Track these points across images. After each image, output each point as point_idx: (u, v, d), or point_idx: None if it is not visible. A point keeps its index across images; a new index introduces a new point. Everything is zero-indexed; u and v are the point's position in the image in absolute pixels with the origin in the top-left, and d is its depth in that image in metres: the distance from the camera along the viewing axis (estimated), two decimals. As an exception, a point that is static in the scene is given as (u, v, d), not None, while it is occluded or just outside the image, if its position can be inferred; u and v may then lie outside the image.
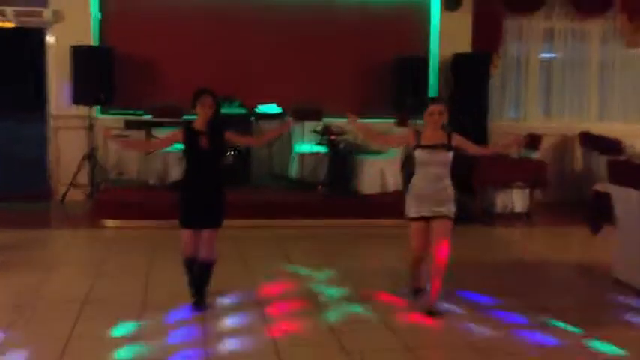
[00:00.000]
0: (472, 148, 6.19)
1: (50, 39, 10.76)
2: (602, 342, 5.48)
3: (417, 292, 6.40)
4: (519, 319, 5.98)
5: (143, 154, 10.29)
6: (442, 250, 5.94)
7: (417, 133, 6.04)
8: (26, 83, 11.09)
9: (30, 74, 11.06)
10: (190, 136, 5.95)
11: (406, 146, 6.11)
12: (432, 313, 5.97)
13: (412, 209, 6.06)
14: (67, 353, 4.99)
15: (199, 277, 6.03)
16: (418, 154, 5.98)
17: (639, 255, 6.81)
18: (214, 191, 6.03)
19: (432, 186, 5.95)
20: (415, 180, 6.07)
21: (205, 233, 5.97)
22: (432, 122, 5.94)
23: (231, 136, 6.17)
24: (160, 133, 10.15)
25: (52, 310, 5.93)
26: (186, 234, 6.02)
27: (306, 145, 10.78)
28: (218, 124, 6.04)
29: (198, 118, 5.96)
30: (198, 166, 5.98)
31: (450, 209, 6.00)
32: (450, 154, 5.97)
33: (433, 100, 6.31)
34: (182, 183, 6.22)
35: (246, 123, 10.57)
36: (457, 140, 6.03)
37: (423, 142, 5.96)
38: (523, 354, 5.27)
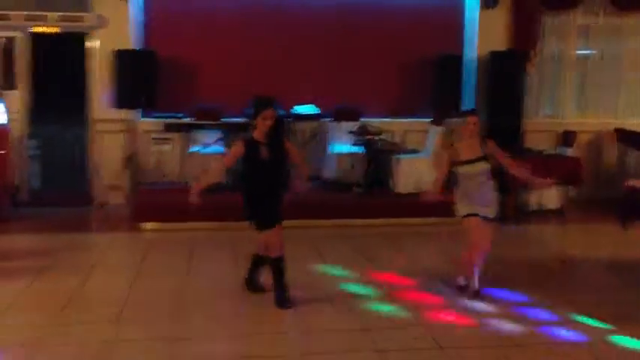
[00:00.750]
0: (503, 159, 6.49)
1: (93, 43, 10.96)
2: (632, 339, 5.53)
3: (465, 288, 6.69)
4: (551, 316, 6.05)
5: (183, 156, 10.44)
6: (487, 248, 6.50)
7: (454, 150, 6.43)
8: (69, 87, 11.29)
9: (73, 78, 11.25)
10: (251, 147, 6.07)
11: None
12: (479, 295, 6.47)
13: (465, 208, 6.44)
14: (106, 357, 5.15)
15: (284, 274, 6.25)
16: (459, 170, 6.41)
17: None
18: (278, 196, 6.24)
19: (476, 192, 6.40)
20: (460, 188, 6.49)
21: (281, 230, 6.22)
22: (468, 132, 6.37)
23: (290, 149, 6.31)
24: (200, 135, 10.38)
25: (94, 313, 6.10)
26: (277, 232, 6.16)
27: (343, 146, 10.87)
28: (278, 134, 6.24)
29: (258, 129, 6.06)
30: (261, 175, 6.11)
31: (495, 210, 6.49)
32: (488, 164, 6.40)
33: (469, 112, 6.71)
34: (250, 192, 6.21)
35: (283, 124, 10.70)
36: (490, 148, 6.43)
37: (462, 158, 6.37)
38: (554, 350, 5.33)
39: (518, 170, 6.56)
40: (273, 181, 6.16)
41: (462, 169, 6.39)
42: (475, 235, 6.41)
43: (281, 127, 10.20)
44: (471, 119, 6.40)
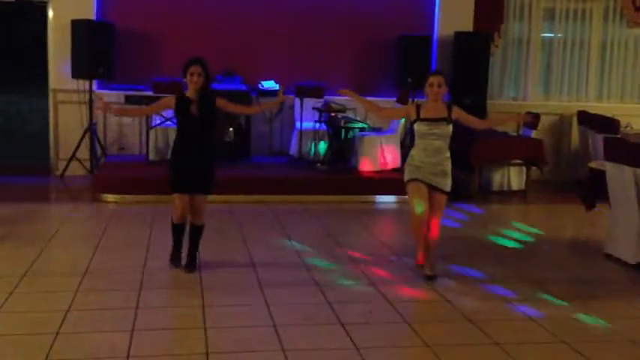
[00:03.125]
0: (474, 121, 6.34)
1: (51, 13, 10.76)
2: (590, 315, 5.59)
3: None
4: (511, 293, 6.08)
5: (144, 128, 10.33)
6: (435, 224, 6.30)
7: (418, 107, 6.21)
8: (27, 57, 11.10)
9: (32, 48, 11.06)
10: (181, 103, 6.15)
11: (406, 119, 6.21)
12: (430, 277, 6.26)
13: (410, 174, 6.24)
14: (65, 324, 5.06)
15: (191, 241, 6.38)
16: (418, 126, 6.14)
17: (630, 231, 6.93)
18: (204, 158, 6.27)
19: (431, 158, 6.12)
20: (414, 151, 6.24)
21: (197, 199, 6.25)
22: (432, 94, 6.12)
23: (223, 103, 6.32)
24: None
25: (53, 282, 6.02)
26: (178, 198, 6.24)
27: (307, 122, 10.83)
28: (209, 92, 6.27)
29: (189, 87, 6.14)
30: (187, 132, 6.21)
31: (447, 183, 6.23)
32: (450, 127, 6.14)
33: (432, 72, 6.43)
34: (173, 149, 6.37)
35: (247, 99, 10.62)
36: (457, 113, 6.20)
37: (423, 115, 6.12)
38: (513, 325, 5.36)
39: (488, 123, 6.48)
40: (198, 140, 6.20)
41: (420, 127, 6.13)
42: (415, 200, 6.18)
43: (244, 100, 10.14)
44: (434, 79, 6.13)
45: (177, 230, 6.42)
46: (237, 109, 6.87)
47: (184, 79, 6.17)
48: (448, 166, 6.22)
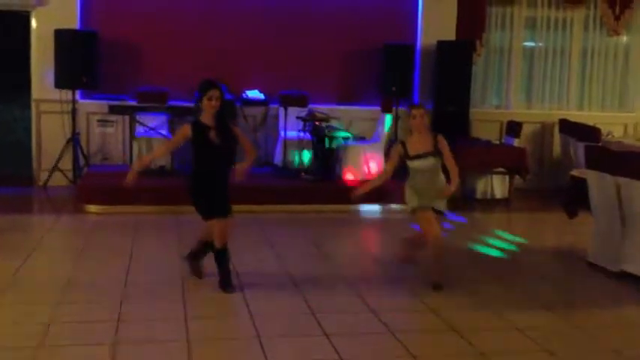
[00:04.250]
0: (449, 162, 6.36)
1: (34, 22, 10.72)
2: (574, 324, 5.62)
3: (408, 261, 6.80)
4: (495, 302, 6.09)
5: (127, 138, 10.29)
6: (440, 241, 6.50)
7: (403, 144, 6.39)
8: (10, 67, 11.03)
9: (14, 58, 11.00)
10: (198, 131, 5.90)
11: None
12: (438, 286, 6.34)
13: (414, 200, 6.39)
14: (47, 337, 5.03)
15: (228, 261, 6.22)
16: (410, 164, 6.34)
17: (613, 239, 6.97)
18: (227, 182, 6.10)
19: (427, 185, 6.34)
20: (410, 181, 6.45)
21: (228, 221, 6.10)
22: (415, 125, 6.32)
23: (238, 134, 6.19)
24: (145, 119, 10.21)
25: (34, 294, 5.96)
26: (220, 222, 6.02)
27: (292, 132, 10.82)
28: (225, 117, 6.06)
29: (206, 112, 5.90)
30: (211, 161, 5.99)
31: (444, 204, 6.49)
32: (439, 158, 6.31)
33: (413, 105, 6.56)
34: (196, 178, 6.07)
35: (231, 108, 10.61)
36: (442, 144, 6.32)
37: (412, 153, 6.30)
38: (497, 334, 5.39)
39: (454, 173, 6.40)
40: (222, 166, 6.04)
41: (413, 164, 6.33)
42: (433, 227, 6.38)
43: (230, 110, 10.13)
44: (417, 112, 6.30)
45: (226, 254, 6.16)
46: (246, 144, 6.30)
47: (200, 104, 5.90)
48: (442, 189, 6.40)
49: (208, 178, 6.01)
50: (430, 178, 6.33)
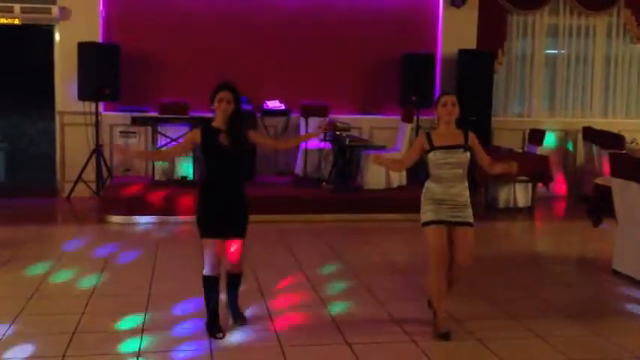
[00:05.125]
0: (484, 159, 5.64)
1: (57, 36, 10.85)
2: (598, 333, 5.57)
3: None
4: (518, 311, 6.05)
5: (149, 150, 10.36)
6: (462, 275, 5.62)
7: (429, 135, 5.53)
8: (33, 80, 11.17)
9: (38, 71, 11.13)
10: (208, 134, 5.37)
11: (421, 152, 5.56)
12: (444, 335, 5.43)
13: (429, 213, 5.47)
14: (72, 347, 5.06)
15: (232, 293, 5.63)
16: (432, 155, 5.44)
17: (638, 247, 6.91)
18: (239, 195, 5.44)
19: (450, 189, 5.43)
20: (430, 184, 5.53)
21: (234, 243, 5.47)
22: (446, 113, 5.48)
23: (255, 137, 5.68)
24: (166, 130, 10.26)
25: (59, 304, 6.01)
26: (210, 245, 5.36)
27: (311, 141, 10.83)
28: (239, 121, 5.45)
29: (217, 115, 5.37)
30: (219, 167, 5.38)
31: (469, 214, 5.50)
32: (468, 155, 5.47)
33: (445, 92, 5.80)
34: (201, 189, 5.50)
35: (252, 119, 10.68)
36: (473, 140, 5.55)
37: (437, 144, 5.45)
38: (520, 343, 5.36)
39: (494, 168, 5.67)
40: (231, 174, 5.39)
41: (435, 156, 5.41)
42: (435, 246, 5.41)
43: (250, 121, 10.18)
44: (448, 98, 5.51)
45: (212, 285, 5.40)
46: (269, 143, 6.02)
47: (212, 107, 5.39)
48: (468, 195, 5.53)
49: (213, 191, 5.40)
50: (454, 181, 5.40)
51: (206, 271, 5.39)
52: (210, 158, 5.40)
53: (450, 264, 5.49)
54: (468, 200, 5.52)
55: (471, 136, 5.56)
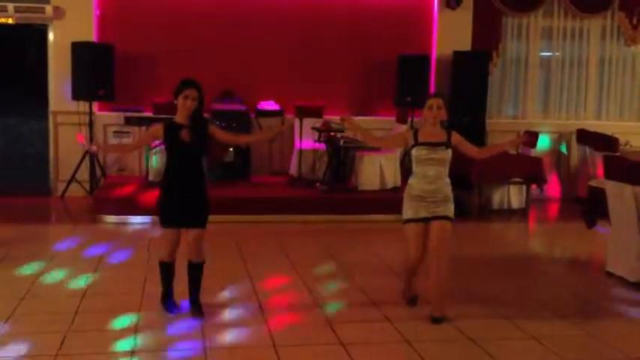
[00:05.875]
0: (472, 150, 5.96)
1: (51, 35, 10.83)
2: (591, 334, 5.57)
3: (413, 300, 6.19)
4: (512, 312, 6.05)
5: (144, 149, 10.33)
6: (440, 263, 5.71)
7: (415, 131, 5.86)
8: (27, 79, 11.14)
9: (31, 70, 11.11)
10: (171, 130, 5.58)
11: (405, 145, 5.86)
12: (437, 320, 5.74)
13: (410, 211, 5.79)
14: (65, 346, 5.05)
15: (192, 282, 5.79)
16: (416, 151, 5.74)
17: (631, 249, 6.92)
18: (198, 188, 5.68)
19: (430, 186, 5.71)
20: (413, 180, 5.82)
21: (193, 233, 5.68)
22: (431, 116, 5.75)
23: (215, 132, 5.80)
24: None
25: (52, 304, 5.99)
26: (168, 234, 5.71)
27: (306, 142, 10.84)
28: (201, 117, 5.70)
29: (180, 111, 5.57)
30: (179, 161, 5.62)
31: (449, 208, 5.75)
32: (449, 152, 5.76)
33: (431, 95, 6.10)
34: (163, 179, 5.76)
35: (246, 119, 10.68)
36: (456, 139, 5.82)
37: (421, 140, 5.74)
38: (514, 344, 5.36)
39: (486, 152, 6.12)
40: (191, 168, 5.62)
41: (419, 152, 5.72)
42: (412, 245, 5.81)
43: (244, 121, 10.16)
44: (434, 101, 5.75)
45: (168, 270, 5.82)
46: (227, 138, 6.21)
47: (175, 102, 5.59)
48: (449, 191, 5.79)
49: (173, 182, 5.64)
50: (435, 176, 5.69)
51: (162, 257, 5.80)
52: (172, 152, 5.67)
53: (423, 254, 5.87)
54: (450, 196, 5.81)
55: (454, 134, 5.85)
